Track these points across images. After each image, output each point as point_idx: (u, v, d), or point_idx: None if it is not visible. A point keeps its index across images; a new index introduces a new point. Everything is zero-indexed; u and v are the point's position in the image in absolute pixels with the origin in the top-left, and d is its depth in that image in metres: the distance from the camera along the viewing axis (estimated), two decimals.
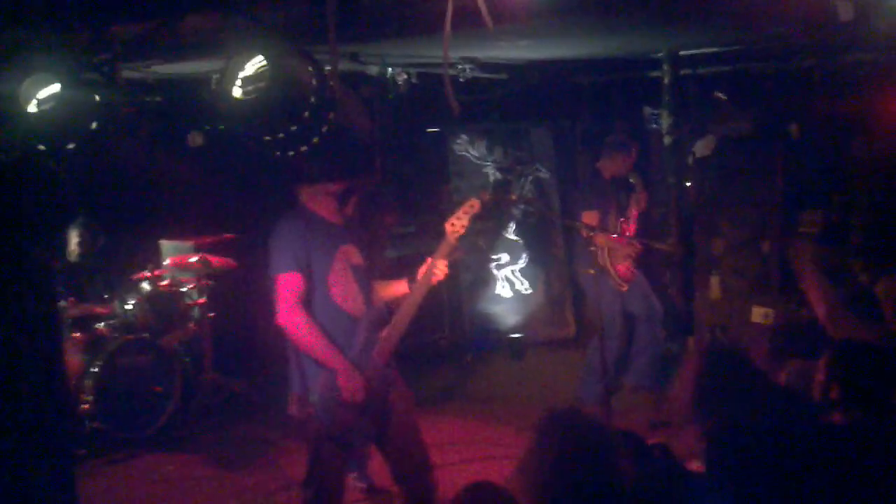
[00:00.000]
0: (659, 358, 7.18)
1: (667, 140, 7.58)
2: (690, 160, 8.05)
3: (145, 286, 7.13)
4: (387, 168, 7.82)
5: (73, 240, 7.05)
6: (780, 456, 2.98)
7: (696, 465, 3.39)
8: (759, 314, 7.50)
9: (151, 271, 7.18)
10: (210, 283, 7.37)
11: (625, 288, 6.78)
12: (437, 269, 4.40)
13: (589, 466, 2.70)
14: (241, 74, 3.22)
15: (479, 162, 8.99)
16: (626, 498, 2.71)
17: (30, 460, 3.50)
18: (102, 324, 6.88)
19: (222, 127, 5.08)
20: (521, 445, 5.32)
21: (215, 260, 7.36)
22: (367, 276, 4.45)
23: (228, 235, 7.84)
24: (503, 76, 7.57)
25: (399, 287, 4.56)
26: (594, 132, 9.05)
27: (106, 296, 7.04)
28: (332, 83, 3.24)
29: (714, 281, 7.97)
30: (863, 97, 7.30)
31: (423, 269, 4.43)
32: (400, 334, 4.38)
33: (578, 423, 2.83)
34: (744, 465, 2.98)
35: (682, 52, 7.30)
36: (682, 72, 7.57)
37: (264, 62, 3.17)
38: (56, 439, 3.59)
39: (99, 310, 6.92)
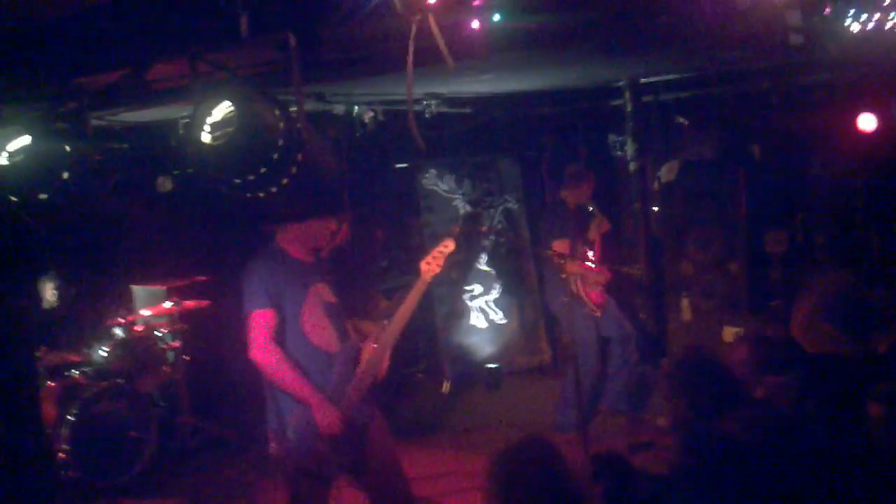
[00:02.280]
0: (634, 381, 7.24)
1: (632, 166, 7.70)
2: (656, 185, 8.19)
3: (118, 332, 7.11)
4: (356, 205, 7.87)
5: (46, 288, 7.03)
6: (752, 467, 3.03)
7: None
8: (730, 334, 7.60)
9: (124, 317, 7.16)
10: (184, 326, 7.37)
11: (598, 313, 6.86)
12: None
13: (546, 497, 2.72)
14: (209, 120, 3.28)
15: (448, 195, 9.07)
16: None
17: None
18: (76, 371, 6.84)
19: (191, 171, 5.13)
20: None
21: (188, 303, 7.37)
22: (341, 313, 4.50)
23: (200, 278, 7.84)
24: (468, 110, 7.67)
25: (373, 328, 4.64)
26: (560, 161, 9.17)
27: (79, 343, 7.00)
28: (298, 125, 3.30)
29: (685, 303, 8.08)
30: (819, 117, 7.46)
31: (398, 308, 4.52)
32: (375, 371, 4.43)
33: (533, 454, 2.84)
34: (716, 474, 3.02)
35: (642, 80, 7.44)
36: (644, 99, 7.71)
37: (232, 107, 3.23)
38: (36, 491, 3.57)
39: (72, 357, 6.89)
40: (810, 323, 4.61)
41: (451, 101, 7.16)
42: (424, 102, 6.84)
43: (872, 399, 3.30)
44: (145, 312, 7.46)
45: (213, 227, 7.92)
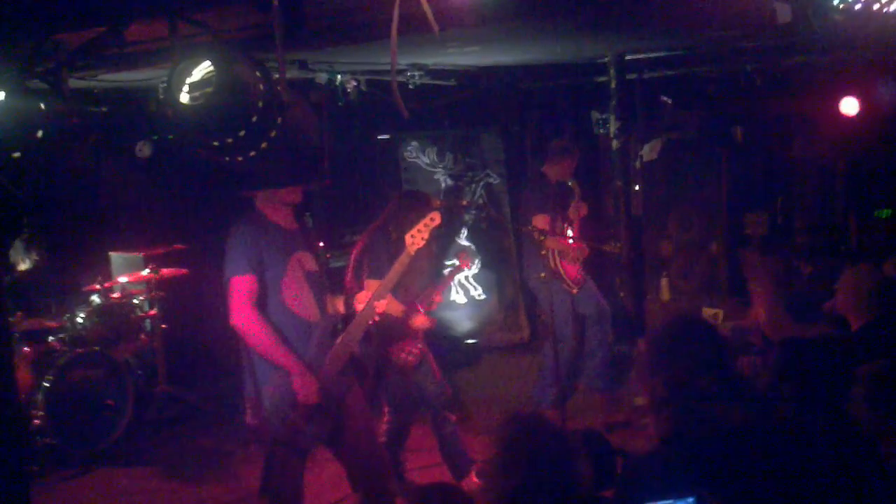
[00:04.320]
0: (611, 359, 7.26)
1: (614, 144, 7.69)
2: (638, 164, 8.19)
3: (96, 299, 7.05)
4: (337, 175, 7.80)
5: (21, 252, 6.95)
6: (729, 447, 3.03)
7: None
8: (708, 314, 7.65)
9: (102, 283, 7.10)
10: (161, 294, 7.31)
11: (575, 290, 6.85)
12: (378, 304, 4.48)
13: (549, 469, 2.75)
14: (189, 80, 3.22)
15: (430, 168, 9.03)
16: (585, 499, 2.77)
17: None
18: (52, 337, 6.79)
19: (171, 136, 5.07)
20: (478, 449, 5.34)
21: (166, 271, 7.32)
22: (322, 282, 4.47)
23: (178, 246, 7.78)
24: (452, 82, 7.63)
25: (339, 304, 4.63)
26: (543, 137, 9.15)
27: (55, 309, 6.94)
28: (279, 88, 3.25)
29: (664, 283, 8.13)
30: (803, 99, 7.49)
31: (363, 296, 4.52)
32: (355, 342, 4.41)
33: (538, 426, 2.87)
34: (697, 456, 3.03)
35: (627, 57, 7.41)
36: (628, 76, 7.69)
37: (211, 68, 3.17)
38: (9, 457, 3.52)
39: (49, 323, 6.83)
40: (777, 315, 4.65)
41: (436, 72, 7.11)
42: (409, 73, 6.79)
43: (855, 380, 3.32)
44: (123, 279, 7.40)
45: (192, 194, 7.86)
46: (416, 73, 6.88)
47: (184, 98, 3.21)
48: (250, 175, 3.78)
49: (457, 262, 6.15)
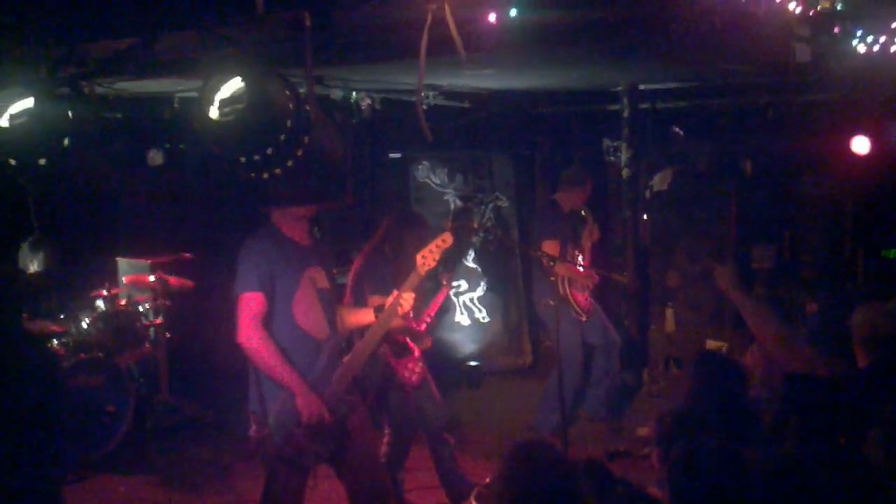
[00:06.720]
0: (615, 389, 7.24)
1: (625, 173, 7.70)
2: (648, 194, 8.19)
3: (101, 304, 7.03)
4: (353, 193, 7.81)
5: (29, 254, 6.94)
6: (737, 483, 3.03)
7: (653, 490, 3.45)
8: (713, 347, 7.63)
9: (108, 289, 7.08)
10: (167, 303, 7.30)
11: (584, 318, 6.84)
12: (404, 300, 4.45)
13: (553, 496, 2.75)
14: (219, 96, 3.23)
15: (440, 189, 9.04)
16: None
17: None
18: (56, 341, 6.76)
19: (182, 146, 5.08)
20: (477, 472, 5.33)
21: (173, 280, 7.30)
22: (333, 300, 4.47)
23: (186, 255, 7.77)
24: (466, 104, 7.65)
25: (365, 315, 4.61)
26: (554, 162, 9.18)
27: (61, 314, 6.93)
28: (308, 107, 3.26)
29: (669, 313, 8.11)
30: (814, 137, 7.50)
31: (389, 300, 4.48)
32: (362, 361, 4.41)
33: (544, 453, 2.87)
34: (704, 491, 3.03)
35: (641, 87, 7.44)
36: (641, 106, 7.71)
37: (242, 84, 3.18)
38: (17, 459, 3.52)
39: (53, 327, 6.80)
40: (789, 344, 4.64)
41: (450, 93, 7.14)
42: (423, 93, 6.81)
43: (873, 422, 3.32)
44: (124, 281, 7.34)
45: (202, 204, 7.85)
46: (430, 94, 6.92)
47: (213, 113, 3.22)
48: (273, 191, 3.78)
49: (443, 283, 6.15)
